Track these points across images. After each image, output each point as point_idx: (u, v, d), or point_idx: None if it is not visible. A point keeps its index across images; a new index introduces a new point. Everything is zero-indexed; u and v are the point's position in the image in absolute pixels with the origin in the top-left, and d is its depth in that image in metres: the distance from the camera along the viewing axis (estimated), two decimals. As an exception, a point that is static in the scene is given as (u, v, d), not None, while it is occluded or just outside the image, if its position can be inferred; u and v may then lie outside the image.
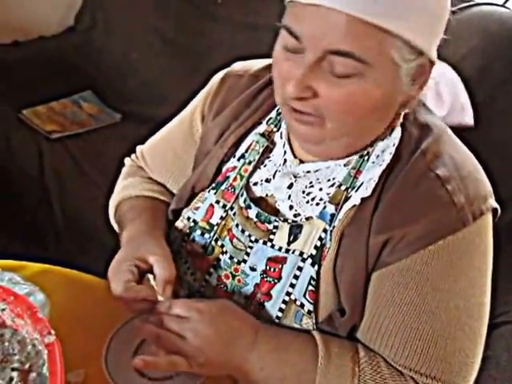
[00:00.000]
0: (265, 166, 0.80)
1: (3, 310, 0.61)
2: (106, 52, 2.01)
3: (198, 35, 1.90)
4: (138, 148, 0.99)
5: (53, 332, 0.56)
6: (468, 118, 0.80)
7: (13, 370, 0.57)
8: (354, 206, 0.70)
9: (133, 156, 1.01)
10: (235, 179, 0.80)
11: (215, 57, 1.60)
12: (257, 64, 0.87)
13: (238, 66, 0.88)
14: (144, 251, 0.74)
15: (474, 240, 0.68)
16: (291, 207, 0.75)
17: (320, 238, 0.72)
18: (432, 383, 0.67)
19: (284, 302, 0.73)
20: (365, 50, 0.60)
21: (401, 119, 0.72)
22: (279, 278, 0.73)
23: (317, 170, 0.74)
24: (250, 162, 0.80)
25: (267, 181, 0.78)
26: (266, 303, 0.74)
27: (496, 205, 0.70)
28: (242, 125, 0.83)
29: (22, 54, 1.93)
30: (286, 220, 0.74)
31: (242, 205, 0.78)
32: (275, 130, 0.81)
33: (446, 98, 0.78)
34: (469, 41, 1.17)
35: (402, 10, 0.60)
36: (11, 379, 0.56)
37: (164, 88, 1.91)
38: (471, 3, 1.23)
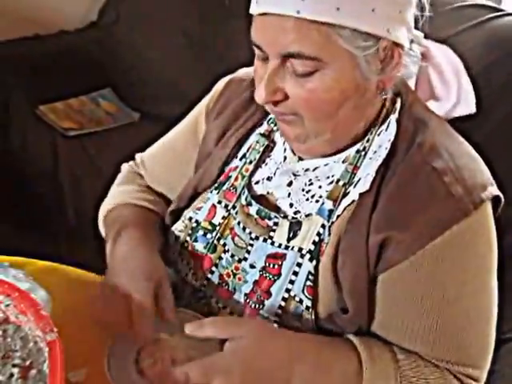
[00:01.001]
0: (266, 164, 0.84)
1: (7, 305, 0.62)
2: (127, 48, 2.04)
3: (220, 34, 1.93)
4: (138, 155, 1.03)
5: (55, 330, 0.57)
6: (472, 106, 0.81)
7: (14, 366, 0.58)
8: (353, 201, 0.73)
9: (131, 162, 1.03)
10: (237, 179, 0.84)
11: (236, 56, 1.62)
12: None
13: (242, 71, 0.94)
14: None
15: (477, 229, 0.70)
16: (291, 205, 0.78)
17: (318, 234, 0.74)
18: (463, 370, 0.71)
19: (283, 299, 0.75)
20: (313, 47, 0.65)
21: (396, 112, 0.75)
22: (279, 275, 0.75)
23: (316, 168, 0.78)
24: (250, 162, 0.84)
25: (268, 179, 0.82)
26: (265, 301, 0.76)
27: (497, 192, 0.72)
28: (242, 126, 0.87)
29: (43, 47, 1.98)
30: (285, 217, 0.77)
31: (244, 202, 0.81)
32: (275, 129, 0.85)
33: (453, 85, 0.79)
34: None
35: (338, 2, 0.63)
36: (11, 375, 0.57)
37: (184, 87, 1.93)
38: (499, 14, 1.22)
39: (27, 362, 0.58)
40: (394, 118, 0.75)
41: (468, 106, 0.80)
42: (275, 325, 0.74)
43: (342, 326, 0.73)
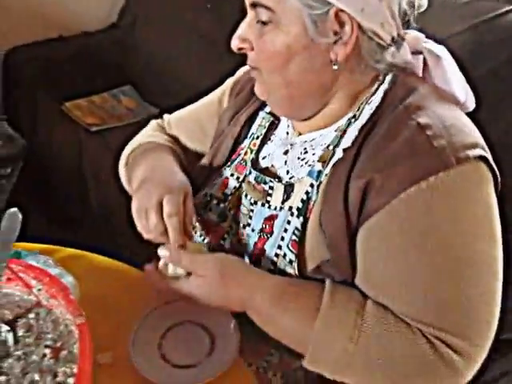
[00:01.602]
0: (271, 141, 0.87)
1: (39, 289, 0.65)
2: (145, 48, 2.06)
3: (233, 32, 1.93)
4: (166, 116, 1.08)
5: (83, 313, 0.59)
6: (472, 102, 0.81)
7: (46, 346, 0.60)
8: (339, 159, 0.74)
9: (159, 120, 1.09)
10: (246, 153, 0.88)
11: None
12: None
13: None
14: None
15: (458, 184, 0.67)
16: (288, 172, 0.81)
17: (306, 192, 0.76)
18: (440, 335, 0.65)
19: (276, 255, 0.77)
20: None
21: (386, 83, 0.75)
22: (271, 233, 0.78)
23: (312, 140, 0.80)
24: (257, 137, 0.88)
25: (272, 153, 0.85)
26: (261, 258, 0.78)
27: (488, 156, 0.70)
28: (251, 106, 0.91)
29: (67, 48, 2.01)
30: (280, 181, 0.80)
31: (246, 173, 0.85)
32: None
33: (457, 85, 0.79)
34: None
35: None
36: (44, 355, 0.59)
37: (198, 83, 1.94)
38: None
39: (58, 344, 0.61)
40: (383, 87, 0.76)
41: (471, 103, 0.80)
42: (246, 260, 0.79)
43: (330, 277, 0.73)
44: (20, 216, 0.69)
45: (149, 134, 1.05)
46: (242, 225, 0.83)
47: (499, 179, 0.72)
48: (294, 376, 0.79)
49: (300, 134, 0.83)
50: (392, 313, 0.68)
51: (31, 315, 0.64)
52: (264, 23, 0.72)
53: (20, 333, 0.62)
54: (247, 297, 0.71)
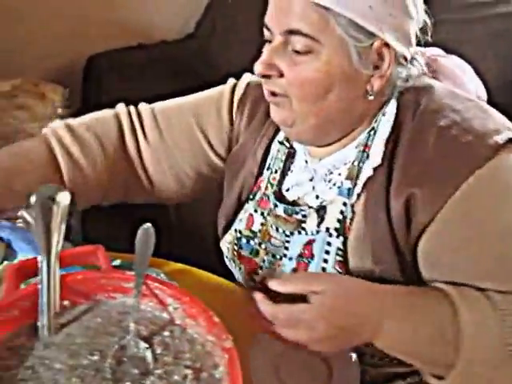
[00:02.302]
0: (291, 171, 0.85)
1: (176, 308, 0.63)
2: (223, 60, 2.06)
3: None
4: (144, 105, 0.97)
5: (230, 337, 0.57)
6: (484, 92, 0.84)
7: (186, 367, 0.59)
8: (369, 178, 0.74)
9: (130, 108, 0.97)
10: (267, 188, 0.86)
11: None
12: None
13: (250, 76, 0.96)
14: None
15: (498, 172, 0.68)
16: (317, 197, 0.80)
17: (341, 212, 0.76)
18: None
19: None
20: (313, 27, 0.68)
21: (396, 92, 0.75)
22: (312, 257, 0.77)
23: (332, 160, 0.79)
24: (276, 171, 0.86)
25: (297, 185, 0.83)
26: None
27: None
28: (265, 134, 0.89)
29: (146, 56, 2.03)
30: (311, 207, 0.79)
31: (271, 206, 0.83)
32: None
33: (472, 91, 0.81)
34: None
35: None
36: (185, 376, 0.58)
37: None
38: None
39: (197, 365, 0.59)
40: (394, 95, 0.76)
41: None
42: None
43: None
44: (153, 231, 0.69)
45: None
46: (278, 256, 0.82)
47: None
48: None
49: (320, 159, 0.81)
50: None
51: (166, 333, 0.63)
52: (298, 52, 0.70)
53: (158, 350, 0.61)
54: (377, 307, 0.67)
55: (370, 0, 0.68)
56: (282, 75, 0.72)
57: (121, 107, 0.96)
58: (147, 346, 0.61)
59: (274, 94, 0.75)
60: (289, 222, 0.81)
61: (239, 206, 0.90)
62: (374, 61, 0.71)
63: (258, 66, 0.73)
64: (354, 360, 0.72)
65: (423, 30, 0.74)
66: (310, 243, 0.78)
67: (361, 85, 0.72)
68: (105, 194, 0.92)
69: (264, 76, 0.73)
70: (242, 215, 0.88)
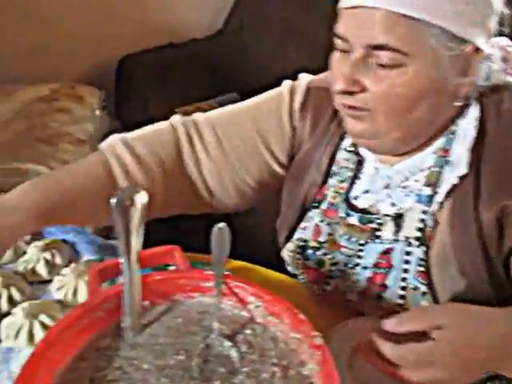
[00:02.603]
0: (360, 179, 0.82)
1: (257, 306, 0.63)
2: (252, 55, 2.07)
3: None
4: (200, 115, 0.92)
5: (319, 334, 0.57)
6: None
7: (273, 364, 0.59)
8: (454, 186, 0.71)
9: (187, 121, 0.90)
10: (334, 197, 0.83)
11: None
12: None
13: (309, 77, 0.92)
14: None
15: None
16: (393, 204, 0.77)
17: (421, 220, 0.73)
18: None
19: (403, 288, 0.73)
20: (401, 40, 0.65)
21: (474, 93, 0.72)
22: (390, 267, 0.74)
23: (409, 166, 0.77)
24: (344, 180, 0.83)
25: (366, 192, 0.80)
26: (382, 294, 0.75)
27: None
28: (329, 142, 0.85)
29: (177, 54, 2.04)
30: (386, 215, 0.76)
31: (342, 215, 0.80)
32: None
33: None
34: None
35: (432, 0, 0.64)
36: (273, 373, 0.58)
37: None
38: None
39: (284, 362, 0.59)
40: (474, 97, 0.73)
41: None
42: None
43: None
44: (228, 230, 0.69)
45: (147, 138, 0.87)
46: (350, 266, 0.80)
47: None
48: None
49: (391, 165, 0.79)
50: None
51: (248, 331, 0.63)
52: (383, 65, 0.67)
53: (243, 349, 0.61)
54: (500, 331, 0.62)
55: (459, 5, 0.65)
56: (364, 90, 0.69)
57: (176, 119, 0.91)
58: (231, 344, 0.61)
59: (352, 106, 0.71)
60: (364, 230, 0.78)
61: (302, 214, 0.87)
62: (463, 67, 0.68)
63: (339, 84, 0.69)
64: None
65: (500, 21, 0.71)
66: (386, 252, 0.75)
67: (448, 93, 0.70)
68: (162, 210, 0.89)
69: (344, 92, 0.70)
70: (307, 224, 0.86)
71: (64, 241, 0.86)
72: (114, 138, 0.88)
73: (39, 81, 1.63)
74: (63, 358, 0.58)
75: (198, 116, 0.93)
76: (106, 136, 0.91)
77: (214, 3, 2.18)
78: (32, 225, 0.73)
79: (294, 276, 0.89)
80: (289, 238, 0.88)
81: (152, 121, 1.15)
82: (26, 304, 0.73)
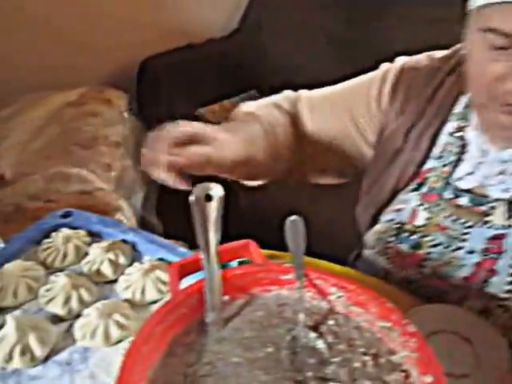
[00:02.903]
0: (462, 161, 0.81)
1: (339, 297, 0.63)
2: (270, 52, 2.06)
3: (367, 33, 1.90)
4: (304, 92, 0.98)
5: (409, 322, 0.57)
6: None
7: (363, 354, 0.59)
8: None
9: (290, 94, 0.98)
10: (435, 181, 0.82)
11: (379, 53, 1.59)
12: (427, 57, 0.87)
13: (405, 59, 0.90)
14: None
15: None
16: (505, 190, 0.76)
17: None
18: None
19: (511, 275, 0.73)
20: None
21: None
22: (501, 253, 0.74)
23: None
24: (446, 164, 0.81)
25: (470, 174, 0.80)
26: (490, 279, 0.75)
27: None
28: (430, 125, 0.83)
29: (196, 55, 2.04)
30: (498, 199, 0.76)
31: (450, 196, 0.80)
32: (464, 124, 0.81)
33: None
34: None
35: None
36: (364, 362, 0.58)
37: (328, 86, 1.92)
38: None
39: (372, 351, 0.59)
40: None
41: None
42: None
43: None
44: (301, 221, 0.68)
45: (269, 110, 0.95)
46: (451, 249, 0.79)
47: None
48: None
49: (500, 148, 0.78)
50: None
51: (330, 321, 0.63)
52: None
53: (329, 339, 0.61)
54: None
55: None
56: None
57: (286, 94, 0.99)
58: (316, 335, 0.61)
59: None
60: (474, 212, 0.78)
61: (393, 195, 0.87)
62: None
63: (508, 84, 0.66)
64: (503, 342, 0.71)
65: None
66: (497, 238, 0.75)
67: None
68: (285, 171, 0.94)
69: None
70: (402, 206, 0.85)
71: (124, 241, 0.86)
72: (242, 106, 0.96)
73: (66, 87, 1.63)
74: (154, 354, 0.58)
75: (303, 93, 0.98)
76: (137, 138, 0.92)
77: (228, 3, 2.18)
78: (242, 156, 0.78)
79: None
80: (374, 219, 0.87)
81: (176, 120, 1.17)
82: (99, 304, 0.73)
